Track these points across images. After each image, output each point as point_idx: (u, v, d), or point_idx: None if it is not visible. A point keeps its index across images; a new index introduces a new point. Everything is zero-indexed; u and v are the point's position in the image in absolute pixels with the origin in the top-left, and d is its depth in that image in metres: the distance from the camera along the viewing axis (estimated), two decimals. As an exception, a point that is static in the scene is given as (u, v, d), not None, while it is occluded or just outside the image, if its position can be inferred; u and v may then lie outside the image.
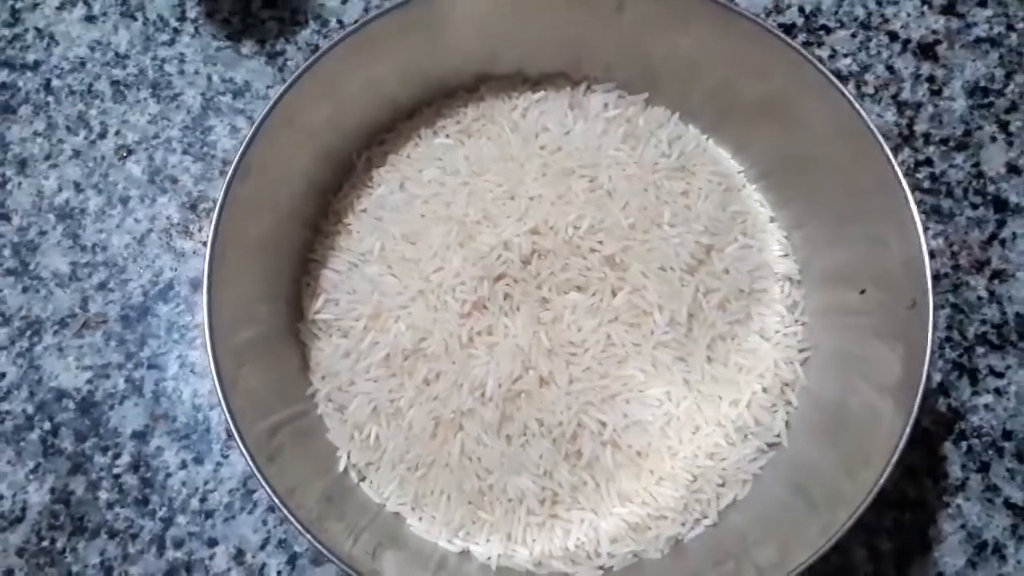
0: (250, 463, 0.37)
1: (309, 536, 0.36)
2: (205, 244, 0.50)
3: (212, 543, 0.45)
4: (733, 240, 0.46)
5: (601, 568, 0.42)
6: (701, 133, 0.49)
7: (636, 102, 0.49)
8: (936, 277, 0.48)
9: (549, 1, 0.45)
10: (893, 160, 0.39)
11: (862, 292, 0.42)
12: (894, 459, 0.36)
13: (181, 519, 0.45)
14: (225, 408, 0.38)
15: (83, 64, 0.55)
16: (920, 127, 0.52)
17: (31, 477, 0.47)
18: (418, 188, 0.47)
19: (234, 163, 0.41)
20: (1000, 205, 0.50)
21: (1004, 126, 0.52)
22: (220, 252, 0.41)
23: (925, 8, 0.55)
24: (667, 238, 0.45)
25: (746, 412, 0.44)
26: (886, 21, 0.55)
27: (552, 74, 0.50)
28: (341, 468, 0.44)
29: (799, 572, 0.35)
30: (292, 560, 0.44)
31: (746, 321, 0.45)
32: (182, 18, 0.56)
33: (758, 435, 0.43)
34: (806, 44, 0.53)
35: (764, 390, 0.44)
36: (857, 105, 0.40)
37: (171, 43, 0.55)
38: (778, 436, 0.43)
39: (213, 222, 0.40)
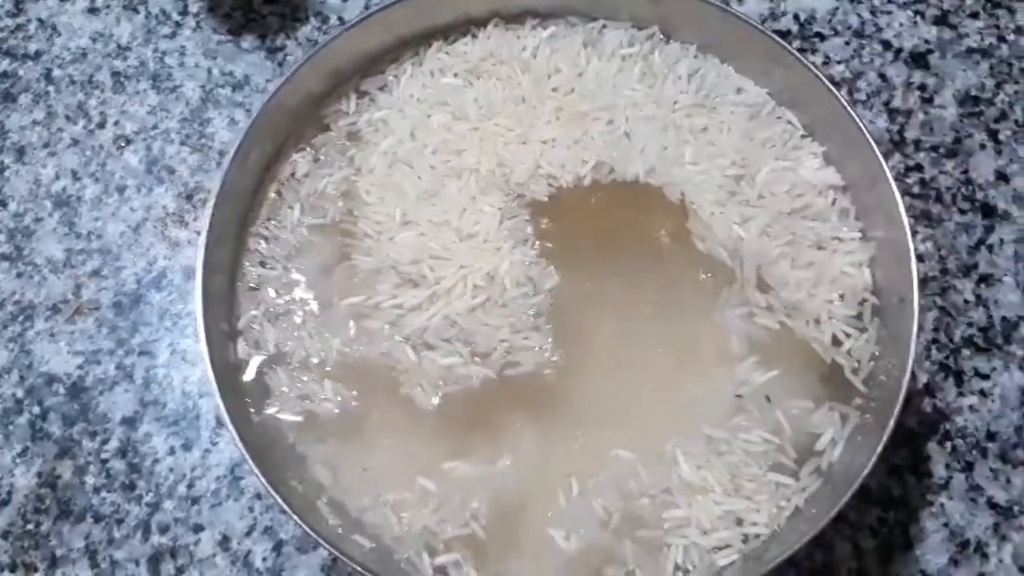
0: (241, 450, 0.37)
1: (297, 519, 0.36)
2: (199, 233, 0.50)
3: (198, 529, 0.45)
4: (764, 166, 0.44)
5: None
6: (722, 62, 0.47)
7: (652, 37, 0.47)
8: (924, 280, 0.49)
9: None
10: (885, 164, 0.40)
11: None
12: (876, 455, 0.36)
13: (168, 505, 0.45)
14: (218, 396, 0.38)
15: (84, 55, 0.56)
16: (911, 134, 0.53)
17: (18, 461, 0.47)
18: (427, 136, 0.45)
19: (230, 154, 0.41)
20: (988, 211, 0.51)
21: (993, 134, 0.53)
22: (215, 241, 0.41)
23: (918, 19, 0.56)
24: (689, 177, 0.43)
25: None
26: (879, 30, 0.55)
27: (563, 10, 0.47)
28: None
29: (780, 564, 0.35)
30: (278, 547, 0.44)
31: (797, 240, 0.43)
32: (184, 12, 0.57)
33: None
34: (800, 50, 0.53)
35: (840, 297, 0.42)
36: (850, 109, 0.41)
37: (172, 36, 0.56)
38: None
39: (208, 212, 0.41)
